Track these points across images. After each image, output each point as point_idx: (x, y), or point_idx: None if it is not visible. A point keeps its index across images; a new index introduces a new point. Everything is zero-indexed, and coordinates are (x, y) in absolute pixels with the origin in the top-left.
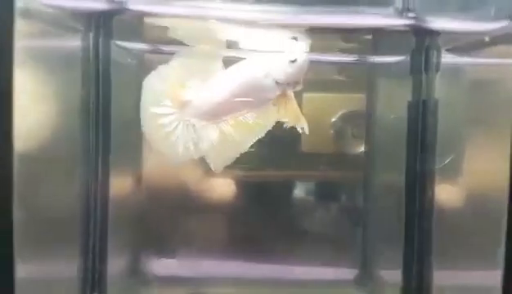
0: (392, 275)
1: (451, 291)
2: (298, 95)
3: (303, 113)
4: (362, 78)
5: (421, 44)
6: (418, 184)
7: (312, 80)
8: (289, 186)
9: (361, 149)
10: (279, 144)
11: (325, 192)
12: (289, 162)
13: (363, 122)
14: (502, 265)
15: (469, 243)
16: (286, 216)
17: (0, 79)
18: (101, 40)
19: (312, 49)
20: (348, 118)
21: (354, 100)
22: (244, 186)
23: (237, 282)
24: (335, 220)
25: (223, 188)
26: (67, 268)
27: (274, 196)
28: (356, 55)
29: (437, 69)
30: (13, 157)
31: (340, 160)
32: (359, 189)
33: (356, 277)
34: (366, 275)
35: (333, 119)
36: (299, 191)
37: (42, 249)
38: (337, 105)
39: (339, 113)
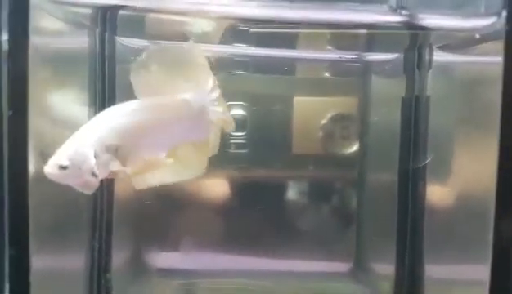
0: (385, 268)
1: (441, 284)
2: (289, 99)
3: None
4: (351, 81)
5: (414, 42)
6: (410, 179)
7: (303, 82)
8: (285, 184)
9: (351, 149)
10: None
11: (320, 190)
12: (286, 162)
13: (352, 123)
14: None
15: (458, 238)
16: (282, 213)
17: (16, 78)
18: (106, 35)
19: (305, 46)
20: (337, 120)
21: (343, 103)
22: (241, 186)
23: (234, 274)
24: (330, 216)
25: (222, 188)
26: (75, 260)
27: (270, 195)
28: (351, 53)
29: (430, 67)
30: (27, 154)
31: (334, 158)
32: (353, 187)
33: (350, 270)
34: (360, 268)
35: (323, 122)
36: (295, 189)
37: (53, 243)
38: (326, 108)
39: (329, 115)
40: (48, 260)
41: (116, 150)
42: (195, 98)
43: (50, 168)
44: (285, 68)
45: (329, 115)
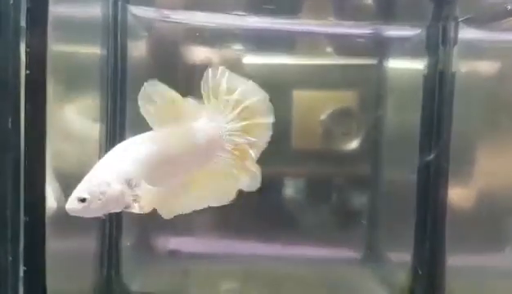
0: (400, 256)
1: (464, 273)
2: (288, 93)
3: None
4: (365, 66)
5: (438, 14)
6: (432, 161)
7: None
8: (295, 174)
9: (352, 145)
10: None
11: (333, 176)
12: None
13: (353, 119)
14: None
15: (484, 225)
16: (294, 198)
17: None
18: (120, 3)
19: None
20: (338, 116)
21: (344, 98)
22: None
23: (244, 259)
24: (343, 202)
25: None
26: (86, 240)
27: (281, 181)
28: (370, 28)
29: (455, 42)
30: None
31: (346, 150)
32: (368, 174)
33: (362, 256)
34: (373, 255)
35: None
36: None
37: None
38: (327, 103)
39: (330, 110)
40: (60, 239)
41: (134, 184)
42: (205, 126)
43: (70, 204)
44: (286, 44)
45: (337, 108)
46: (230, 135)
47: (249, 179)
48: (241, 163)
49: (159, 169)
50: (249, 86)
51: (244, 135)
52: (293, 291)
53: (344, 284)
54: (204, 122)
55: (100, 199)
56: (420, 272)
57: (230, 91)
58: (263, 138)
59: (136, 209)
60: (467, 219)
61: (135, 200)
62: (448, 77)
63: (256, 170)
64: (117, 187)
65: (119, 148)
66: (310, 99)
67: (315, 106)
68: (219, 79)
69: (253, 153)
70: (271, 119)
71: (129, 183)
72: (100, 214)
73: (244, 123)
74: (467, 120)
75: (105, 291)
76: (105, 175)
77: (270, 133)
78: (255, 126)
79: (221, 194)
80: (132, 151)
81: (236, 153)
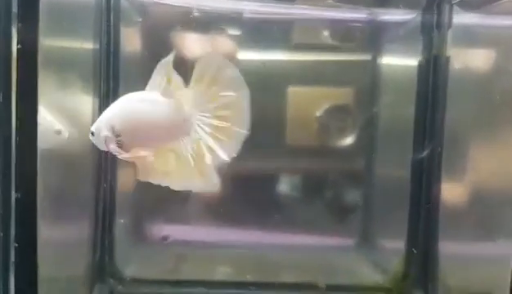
0: (393, 243)
1: (457, 261)
2: (284, 89)
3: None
4: (359, 62)
5: None
6: (426, 146)
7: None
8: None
9: (348, 141)
10: None
11: (329, 169)
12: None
13: (349, 115)
14: None
15: (478, 212)
16: (291, 191)
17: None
18: None
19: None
20: (335, 112)
21: (340, 94)
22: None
23: (242, 246)
24: (339, 194)
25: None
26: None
27: (276, 173)
28: (365, 13)
29: (449, 26)
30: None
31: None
32: (362, 161)
33: (356, 244)
34: (367, 242)
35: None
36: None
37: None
38: (323, 99)
39: (326, 106)
40: (53, 224)
41: (119, 134)
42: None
43: (90, 133)
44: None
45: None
46: (198, 125)
47: (203, 183)
48: (198, 165)
49: (138, 126)
50: (236, 79)
51: (212, 137)
52: (288, 277)
53: (339, 270)
54: (183, 102)
55: (98, 138)
56: (415, 251)
57: (214, 80)
58: (234, 144)
59: (120, 155)
60: (458, 208)
61: (120, 146)
62: (443, 62)
63: (211, 178)
64: (103, 132)
65: (122, 98)
66: (305, 94)
67: (310, 101)
68: (209, 67)
69: (214, 160)
70: (246, 121)
71: (113, 130)
72: (106, 149)
73: (216, 123)
74: (461, 106)
75: (97, 275)
76: (101, 119)
77: (241, 141)
78: (228, 130)
79: (179, 180)
80: (121, 103)
81: (192, 152)
